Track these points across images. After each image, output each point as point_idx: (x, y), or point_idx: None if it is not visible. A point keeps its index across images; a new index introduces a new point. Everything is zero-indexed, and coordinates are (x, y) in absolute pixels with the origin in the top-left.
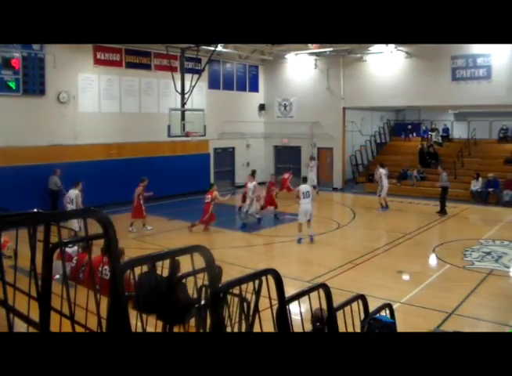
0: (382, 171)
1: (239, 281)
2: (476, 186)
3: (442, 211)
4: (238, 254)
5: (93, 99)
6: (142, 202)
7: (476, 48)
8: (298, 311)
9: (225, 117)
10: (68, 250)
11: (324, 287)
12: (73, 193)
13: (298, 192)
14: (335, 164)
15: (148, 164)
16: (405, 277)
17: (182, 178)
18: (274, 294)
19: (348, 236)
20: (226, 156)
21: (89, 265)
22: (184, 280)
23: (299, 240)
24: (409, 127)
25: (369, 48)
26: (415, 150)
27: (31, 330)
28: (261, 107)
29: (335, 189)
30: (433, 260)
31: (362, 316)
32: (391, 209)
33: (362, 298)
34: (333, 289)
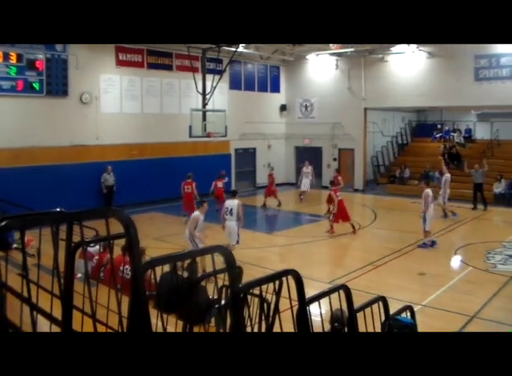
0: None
1: (260, 282)
2: (499, 187)
3: (485, 206)
4: (259, 255)
5: (115, 100)
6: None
7: (500, 48)
8: (318, 312)
9: (246, 118)
10: (90, 249)
11: (345, 288)
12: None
13: (427, 197)
14: (356, 165)
15: (169, 164)
16: (427, 279)
17: (203, 178)
18: (294, 295)
19: (369, 237)
20: (247, 156)
21: (110, 265)
22: (205, 281)
23: (429, 244)
24: (439, 126)
25: (391, 49)
26: (437, 151)
27: (54, 327)
28: (283, 108)
29: (356, 191)
30: (455, 262)
31: (383, 318)
32: (413, 211)
33: (382, 299)
34: (353, 290)
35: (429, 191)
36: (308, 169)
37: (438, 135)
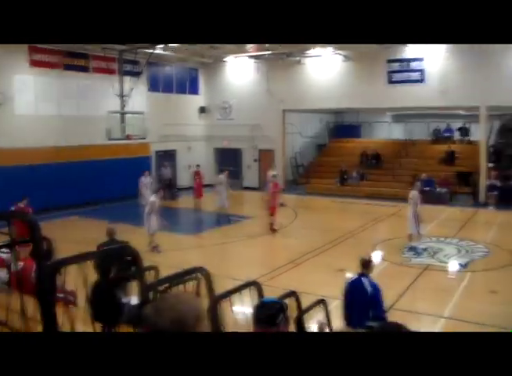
0: (222, 178)
1: (169, 279)
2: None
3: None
4: (181, 257)
5: (30, 101)
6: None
7: (410, 53)
8: (241, 310)
9: (165, 120)
10: (3, 255)
11: (256, 284)
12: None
13: (416, 198)
14: (276, 165)
15: (88, 167)
16: (346, 275)
17: (122, 181)
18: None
19: (290, 236)
20: (168, 158)
21: (16, 269)
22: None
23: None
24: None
25: (308, 52)
26: (354, 151)
27: None
28: (202, 110)
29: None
30: (373, 258)
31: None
32: (334, 209)
33: (294, 294)
34: (273, 288)
35: (416, 193)
36: (275, 172)
37: None
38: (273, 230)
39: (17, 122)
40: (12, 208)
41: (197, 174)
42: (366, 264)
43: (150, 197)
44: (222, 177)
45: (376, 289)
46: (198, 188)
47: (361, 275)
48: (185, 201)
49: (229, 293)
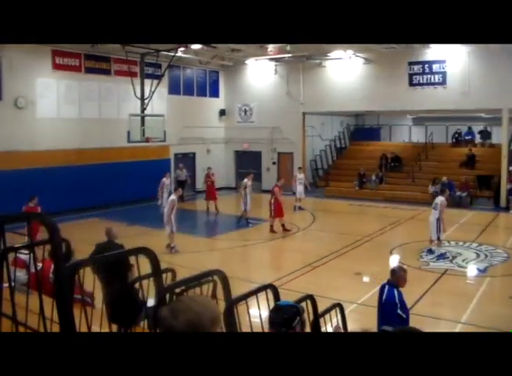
0: (247, 182)
1: (185, 281)
2: (432, 189)
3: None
4: (199, 259)
5: (52, 105)
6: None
7: (431, 55)
8: (257, 313)
9: (185, 123)
10: (22, 256)
11: (272, 287)
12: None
13: (443, 205)
14: (295, 168)
15: (108, 169)
16: (363, 279)
17: (142, 183)
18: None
19: (308, 239)
20: (187, 161)
21: (36, 270)
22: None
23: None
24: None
25: (328, 54)
26: (374, 154)
27: None
28: (222, 113)
29: (295, 194)
30: (390, 262)
31: (312, 316)
32: (353, 212)
33: (310, 298)
34: (289, 291)
35: (443, 199)
36: (301, 175)
37: None
38: (286, 230)
39: (39, 125)
40: (23, 208)
41: (208, 176)
42: (392, 273)
43: (170, 197)
44: (246, 181)
45: (388, 300)
46: (210, 191)
47: (387, 282)
48: (203, 204)
49: (246, 296)
